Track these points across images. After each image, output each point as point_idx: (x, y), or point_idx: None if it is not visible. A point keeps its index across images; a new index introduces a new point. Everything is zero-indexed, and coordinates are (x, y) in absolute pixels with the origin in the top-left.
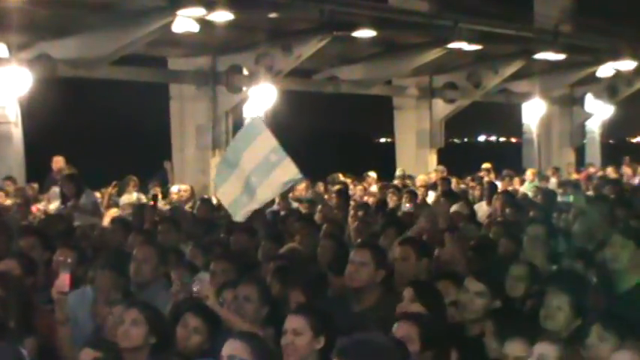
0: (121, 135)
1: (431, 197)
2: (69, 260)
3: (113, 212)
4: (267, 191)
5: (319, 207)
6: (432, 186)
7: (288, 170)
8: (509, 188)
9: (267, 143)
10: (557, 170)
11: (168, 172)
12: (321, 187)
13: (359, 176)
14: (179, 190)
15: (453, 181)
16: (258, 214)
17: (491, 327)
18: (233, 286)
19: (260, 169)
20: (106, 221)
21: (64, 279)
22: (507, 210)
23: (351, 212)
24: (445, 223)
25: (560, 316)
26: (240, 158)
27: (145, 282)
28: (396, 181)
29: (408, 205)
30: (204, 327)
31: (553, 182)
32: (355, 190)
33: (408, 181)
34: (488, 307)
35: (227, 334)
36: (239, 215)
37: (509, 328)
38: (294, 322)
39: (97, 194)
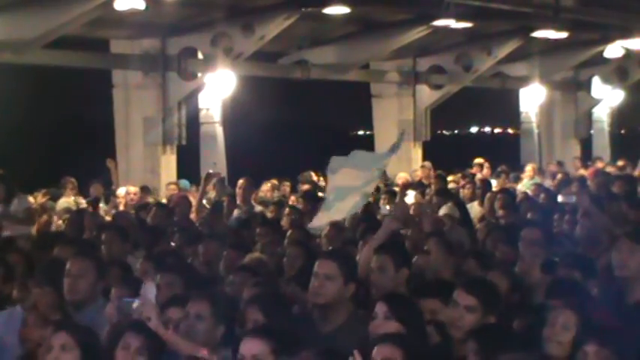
0: (57, 129)
1: (411, 198)
2: None
3: (42, 219)
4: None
5: (286, 210)
6: (417, 185)
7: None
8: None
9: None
10: (560, 165)
11: (112, 171)
12: (287, 187)
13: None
14: (127, 193)
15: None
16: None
17: (473, 345)
18: (181, 302)
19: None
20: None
21: None
22: (502, 212)
23: None
24: (430, 227)
25: (567, 338)
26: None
27: (81, 301)
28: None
29: (387, 207)
30: (148, 347)
31: (555, 179)
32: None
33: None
34: (479, 323)
35: (174, 354)
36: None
37: (496, 346)
38: (250, 347)
39: (30, 199)
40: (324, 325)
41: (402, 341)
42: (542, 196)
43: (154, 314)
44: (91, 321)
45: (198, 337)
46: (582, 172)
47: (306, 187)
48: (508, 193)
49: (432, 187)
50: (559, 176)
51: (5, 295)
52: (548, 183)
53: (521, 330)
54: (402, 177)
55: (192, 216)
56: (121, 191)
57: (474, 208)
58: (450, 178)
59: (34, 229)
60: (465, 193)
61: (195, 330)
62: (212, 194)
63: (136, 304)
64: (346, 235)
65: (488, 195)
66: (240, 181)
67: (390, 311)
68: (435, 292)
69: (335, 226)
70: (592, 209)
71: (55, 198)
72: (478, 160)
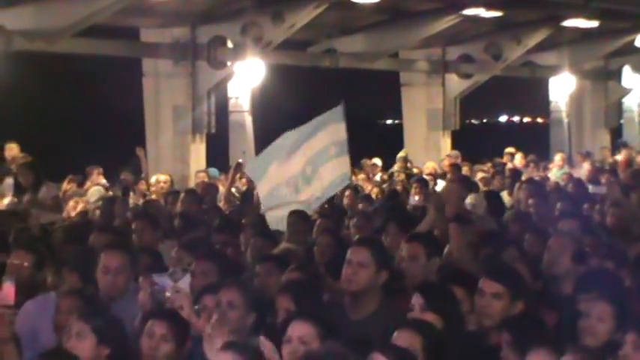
0: (87, 118)
1: (440, 187)
2: (25, 264)
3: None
4: (308, 191)
5: None
6: (443, 175)
7: (341, 166)
8: (536, 176)
9: (335, 134)
10: (588, 155)
11: (142, 160)
12: None
13: (360, 164)
14: (158, 181)
15: (465, 168)
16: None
17: (508, 337)
18: (214, 290)
19: (316, 158)
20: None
21: (8, 290)
22: (531, 201)
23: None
24: (452, 212)
25: (602, 329)
26: (301, 146)
27: (117, 294)
28: (396, 166)
29: (417, 197)
30: (173, 333)
31: (585, 169)
32: (357, 179)
33: (413, 168)
34: (508, 310)
35: (199, 339)
36: (273, 212)
37: (530, 337)
38: (300, 329)
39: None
40: (356, 312)
41: (424, 329)
42: (570, 185)
43: (186, 303)
44: (125, 311)
45: (230, 325)
46: (610, 161)
47: None
48: (535, 183)
49: (448, 177)
50: (586, 166)
51: (39, 282)
52: (577, 172)
53: (551, 321)
54: (429, 167)
55: (221, 204)
56: (151, 179)
57: (504, 198)
58: (465, 168)
59: (62, 217)
60: (495, 184)
61: (227, 318)
62: (240, 184)
63: (168, 292)
64: (375, 223)
65: (518, 185)
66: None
67: (427, 303)
68: (459, 281)
69: (363, 215)
70: (622, 199)
71: (80, 185)
72: (509, 150)
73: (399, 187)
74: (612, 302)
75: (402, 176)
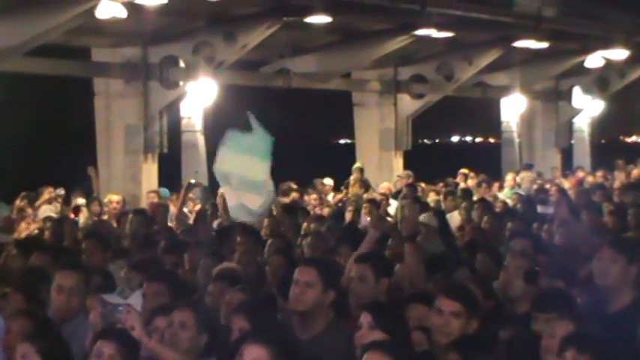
0: (38, 138)
1: (393, 208)
2: None
3: (27, 226)
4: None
5: (266, 220)
6: (396, 195)
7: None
8: (488, 197)
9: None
10: (538, 175)
11: (93, 180)
12: None
13: (312, 183)
14: (110, 202)
15: (420, 187)
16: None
17: (455, 358)
18: (166, 311)
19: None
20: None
21: None
22: (485, 218)
23: (304, 225)
24: (408, 231)
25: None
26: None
27: (71, 314)
28: (352, 177)
29: (368, 217)
30: (122, 354)
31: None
32: (309, 200)
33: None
34: (464, 329)
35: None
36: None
37: (478, 357)
38: (251, 353)
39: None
40: (304, 332)
41: (391, 348)
42: (518, 205)
43: (137, 323)
44: (77, 332)
45: (182, 345)
46: (562, 181)
47: (285, 199)
48: (486, 203)
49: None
50: (535, 186)
51: None
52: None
53: (506, 340)
54: (384, 187)
55: (172, 224)
56: (100, 199)
57: (454, 217)
58: (420, 187)
59: (13, 238)
60: (446, 204)
61: (179, 338)
62: (192, 204)
63: (120, 309)
64: (328, 243)
65: (463, 204)
66: (221, 190)
67: (375, 321)
68: (421, 298)
69: (317, 234)
70: (570, 219)
71: (32, 202)
72: (463, 170)
73: (350, 208)
74: (574, 322)
75: (357, 188)
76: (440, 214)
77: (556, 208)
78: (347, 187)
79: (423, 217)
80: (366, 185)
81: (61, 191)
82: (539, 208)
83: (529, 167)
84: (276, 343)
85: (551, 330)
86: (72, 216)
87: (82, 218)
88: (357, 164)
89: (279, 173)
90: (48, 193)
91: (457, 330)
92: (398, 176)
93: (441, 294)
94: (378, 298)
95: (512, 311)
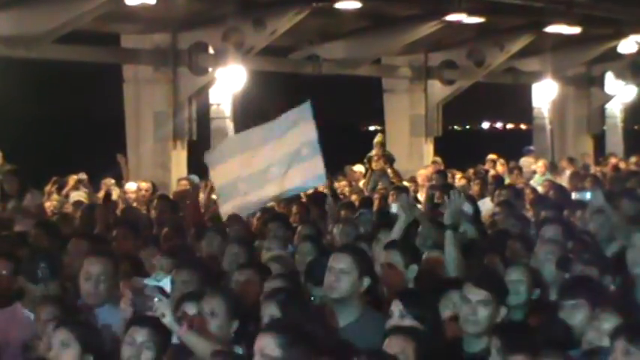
0: (67, 125)
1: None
2: (3, 272)
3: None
4: (275, 188)
5: (294, 207)
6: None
7: (313, 168)
8: (519, 184)
9: (305, 134)
10: (572, 161)
11: (122, 167)
12: None
13: (342, 170)
14: (139, 189)
15: (450, 175)
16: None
17: (497, 343)
18: (196, 298)
19: (286, 159)
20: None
21: None
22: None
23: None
24: (451, 219)
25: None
26: (267, 144)
27: (99, 302)
28: (374, 151)
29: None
30: (154, 341)
31: (567, 175)
32: (339, 186)
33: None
34: (493, 317)
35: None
36: (226, 206)
37: (519, 343)
38: (263, 342)
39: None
40: (339, 319)
41: (416, 334)
42: (551, 192)
43: (168, 311)
44: (105, 320)
45: (212, 333)
46: (594, 168)
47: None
48: (517, 190)
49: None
50: (568, 172)
51: (16, 290)
52: (560, 179)
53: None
54: (422, 174)
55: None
56: (130, 186)
57: (486, 205)
58: (458, 175)
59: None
60: (474, 189)
61: (209, 326)
62: None
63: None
64: (359, 230)
65: (497, 192)
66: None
67: (406, 309)
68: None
69: (348, 221)
70: (605, 206)
71: (59, 190)
72: (491, 157)
73: (377, 196)
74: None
75: (381, 163)
76: (473, 200)
77: (592, 195)
78: (370, 162)
79: None
80: (390, 160)
81: (83, 175)
82: (574, 195)
83: (528, 152)
84: (288, 331)
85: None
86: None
87: (115, 196)
88: (378, 138)
89: None
90: (72, 180)
91: (485, 319)
92: (433, 162)
93: (468, 282)
94: (407, 284)
95: (540, 298)
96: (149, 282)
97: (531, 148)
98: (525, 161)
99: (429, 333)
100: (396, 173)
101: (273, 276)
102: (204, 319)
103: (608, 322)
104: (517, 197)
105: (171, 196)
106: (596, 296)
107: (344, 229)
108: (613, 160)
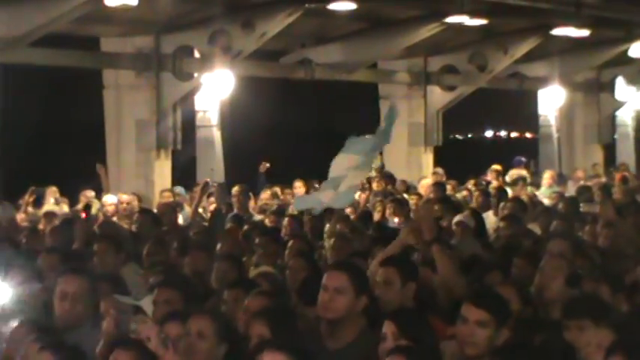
0: (42, 133)
1: None
2: None
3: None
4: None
5: (286, 220)
6: None
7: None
8: (524, 196)
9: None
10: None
11: (102, 177)
12: (288, 194)
13: None
14: (120, 202)
15: (449, 186)
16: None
17: None
18: (179, 318)
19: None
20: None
21: None
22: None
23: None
24: (430, 234)
25: (599, 358)
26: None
27: (75, 323)
28: (373, 175)
29: (396, 219)
30: None
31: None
32: None
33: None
34: (493, 339)
35: None
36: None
37: None
38: None
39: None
40: (333, 341)
41: (414, 354)
42: (560, 205)
43: (153, 334)
44: (81, 343)
45: (200, 356)
46: (604, 179)
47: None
48: (521, 203)
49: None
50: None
51: None
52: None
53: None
54: (424, 185)
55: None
56: (109, 199)
57: (489, 218)
58: (449, 186)
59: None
60: (476, 201)
61: (196, 349)
62: (207, 203)
63: (133, 323)
64: (353, 246)
65: (502, 204)
66: (236, 189)
67: (400, 330)
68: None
69: (341, 236)
70: (616, 219)
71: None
72: (495, 167)
73: (379, 209)
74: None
75: (381, 185)
76: (477, 214)
77: (601, 207)
78: (370, 184)
79: (460, 217)
80: (391, 180)
81: (53, 188)
82: (583, 207)
83: (519, 163)
84: (296, 350)
85: (582, 337)
86: (82, 215)
87: (94, 209)
88: (377, 162)
89: (299, 170)
90: (52, 193)
91: (484, 340)
92: (433, 173)
93: (466, 301)
94: (404, 303)
95: (545, 316)
96: (127, 301)
97: (522, 159)
98: (515, 174)
99: (424, 355)
100: (398, 191)
101: (256, 293)
102: (192, 341)
103: (606, 338)
104: (522, 210)
105: (154, 210)
106: (604, 317)
107: (336, 244)
108: (625, 172)
